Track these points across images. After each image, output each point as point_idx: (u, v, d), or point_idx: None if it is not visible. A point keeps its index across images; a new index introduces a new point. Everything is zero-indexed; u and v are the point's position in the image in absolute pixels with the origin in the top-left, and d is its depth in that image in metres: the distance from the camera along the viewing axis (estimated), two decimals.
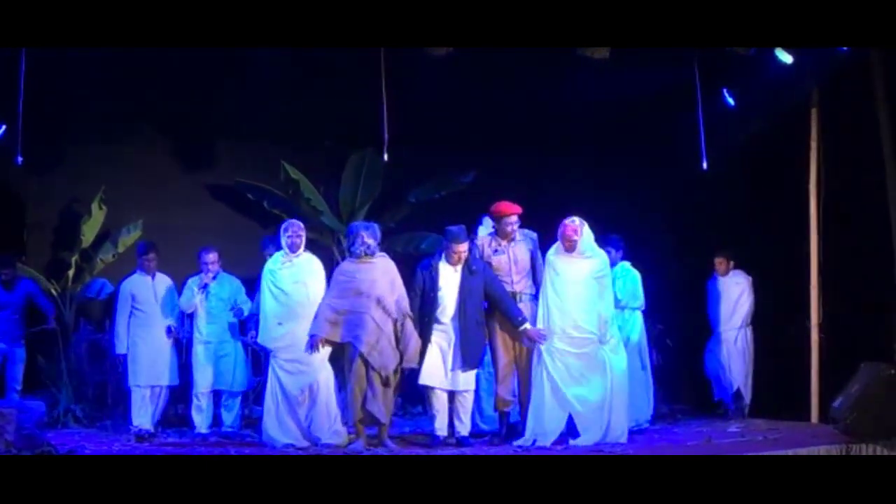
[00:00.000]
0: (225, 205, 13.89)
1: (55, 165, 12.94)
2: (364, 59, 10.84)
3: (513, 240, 10.78)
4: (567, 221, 10.60)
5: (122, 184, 13.21)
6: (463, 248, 10.52)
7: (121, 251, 13.02)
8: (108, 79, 11.62)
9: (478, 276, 10.52)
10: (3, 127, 11.03)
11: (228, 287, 11.74)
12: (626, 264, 11.51)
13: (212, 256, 11.66)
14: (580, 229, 10.57)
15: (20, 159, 10.79)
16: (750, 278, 12.50)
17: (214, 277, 11.64)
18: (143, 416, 11.52)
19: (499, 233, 10.80)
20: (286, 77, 11.99)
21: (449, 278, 10.55)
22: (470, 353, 10.50)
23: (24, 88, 10.42)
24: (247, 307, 11.71)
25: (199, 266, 11.68)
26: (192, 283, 11.70)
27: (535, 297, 10.76)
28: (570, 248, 10.59)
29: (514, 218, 10.73)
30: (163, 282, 11.82)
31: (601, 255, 10.76)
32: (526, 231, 10.89)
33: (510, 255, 10.77)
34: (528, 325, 10.49)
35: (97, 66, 11.13)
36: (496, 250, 10.78)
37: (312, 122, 13.25)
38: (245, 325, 11.93)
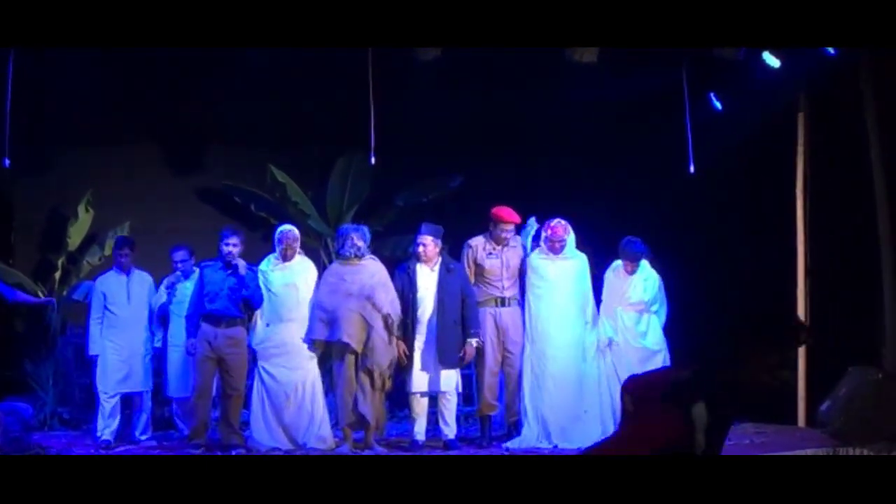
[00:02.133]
0: (212, 208, 13.87)
1: (42, 168, 12.92)
2: (352, 63, 10.84)
3: (506, 245, 10.81)
4: (553, 223, 10.68)
5: (109, 187, 13.20)
6: (425, 240, 10.57)
7: (107, 254, 12.97)
8: (96, 81, 11.59)
9: (455, 275, 10.55)
10: None
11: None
12: (647, 264, 11.37)
13: (181, 255, 11.36)
14: (569, 229, 10.66)
15: (7, 161, 10.78)
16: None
17: (186, 277, 11.23)
18: (109, 424, 10.95)
19: (493, 236, 10.82)
20: (274, 80, 11.97)
21: (426, 278, 10.57)
22: (448, 352, 10.50)
23: (11, 90, 10.40)
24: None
25: (172, 267, 11.44)
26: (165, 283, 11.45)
27: (522, 303, 10.81)
28: (560, 248, 10.64)
29: (511, 227, 10.78)
30: (140, 280, 11.24)
31: (582, 257, 10.82)
32: (518, 237, 10.94)
33: (503, 259, 10.81)
34: (476, 342, 10.53)
35: (85, 68, 11.11)
36: (490, 254, 10.81)
37: (300, 125, 13.25)
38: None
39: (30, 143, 11.51)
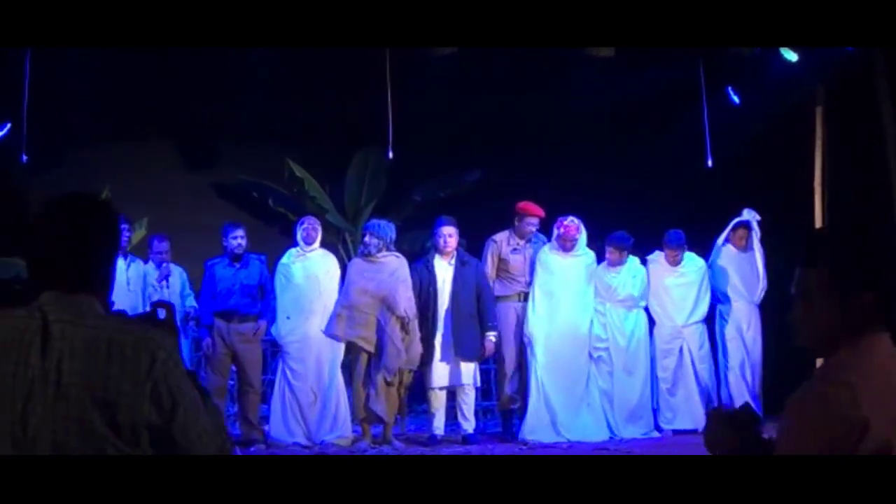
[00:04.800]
0: (230, 203, 13.87)
1: (60, 164, 12.92)
2: (369, 58, 10.84)
3: (529, 241, 10.85)
4: (567, 222, 10.68)
5: (126, 182, 13.19)
6: (448, 230, 10.60)
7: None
8: (113, 78, 11.60)
9: (469, 267, 10.59)
10: (8, 125, 11.03)
11: (179, 279, 11.14)
12: (635, 260, 11.37)
13: (165, 246, 11.09)
14: (581, 227, 10.68)
15: (25, 157, 10.80)
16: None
17: (169, 270, 10.98)
18: None
19: (517, 231, 10.85)
20: (291, 75, 11.97)
21: (444, 272, 10.58)
22: (465, 345, 10.52)
23: (28, 87, 10.43)
24: (189, 301, 11.08)
25: (151, 257, 11.12)
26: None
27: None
28: (571, 247, 10.67)
29: (536, 220, 10.83)
30: (136, 267, 10.88)
31: (590, 254, 10.87)
32: (540, 234, 10.98)
33: (525, 255, 10.85)
34: (493, 336, 10.54)
35: (102, 65, 11.12)
36: (514, 249, 10.86)
37: (318, 120, 13.23)
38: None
39: (47, 140, 11.52)
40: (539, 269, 10.77)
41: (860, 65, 10.72)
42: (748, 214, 11.38)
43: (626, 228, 11.45)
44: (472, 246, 11.35)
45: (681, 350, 11.21)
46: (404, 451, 10.16)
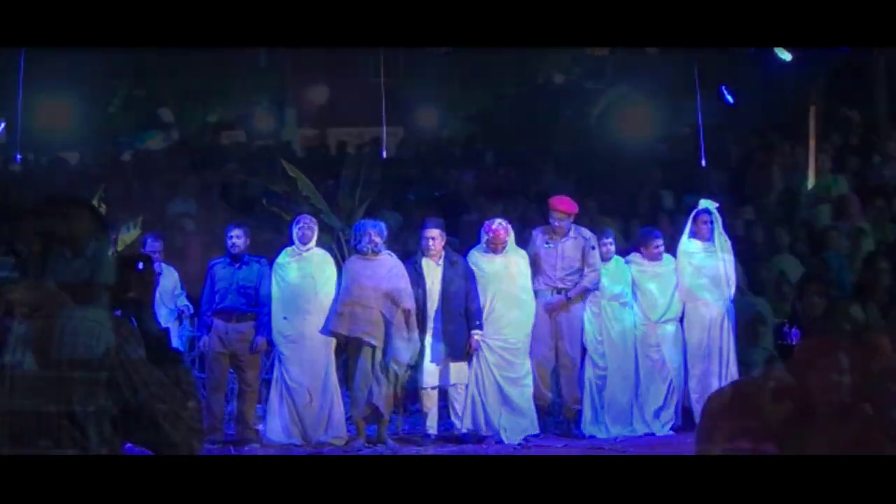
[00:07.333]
0: (225, 203, 13.86)
1: (55, 163, 12.94)
2: (364, 57, 10.86)
3: (565, 236, 10.80)
4: (495, 226, 10.62)
5: (121, 182, 13.20)
6: (431, 233, 10.62)
7: (120, 249, 12.95)
8: (108, 77, 11.61)
9: (458, 267, 10.57)
10: (3, 125, 11.03)
11: (171, 278, 11.03)
12: (620, 259, 11.35)
13: (157, 245, 10.95)
14: (509, 230, 10.66)
15: (19, 157, 10.80)
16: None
17: (161, 270, 10.65)
18: None
19: (551, 226, 10.91)
20: (285, 74, 11.98)
21: (432, 272, 10.58)
22: (454, 344, 10.52)
23: (22, 87, 10.43)
24: (181, 300, 11.09)
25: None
26: None
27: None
28: (501, 249, 10.63)
29: (564, 216, 10.76)
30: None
31: (522, 253, 10.82)
32: (581, 229, 10.90)
33: (559, 250, 10.81)
34: (478, 336, 10.52)
35: (97, 64, 11.12)
36: (546, 243, 10.82)
37: (312, 119, 13.25)
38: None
39: (41, 140, 11.53)
40: (474, 270, 10.70)
41: (854, 65, 10.74)
42: (706, 203, 11.34)
43: (620, 227, 11.47)
44: (467, 245, 11.35)
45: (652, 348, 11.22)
46: (399, 450, 10.16)
